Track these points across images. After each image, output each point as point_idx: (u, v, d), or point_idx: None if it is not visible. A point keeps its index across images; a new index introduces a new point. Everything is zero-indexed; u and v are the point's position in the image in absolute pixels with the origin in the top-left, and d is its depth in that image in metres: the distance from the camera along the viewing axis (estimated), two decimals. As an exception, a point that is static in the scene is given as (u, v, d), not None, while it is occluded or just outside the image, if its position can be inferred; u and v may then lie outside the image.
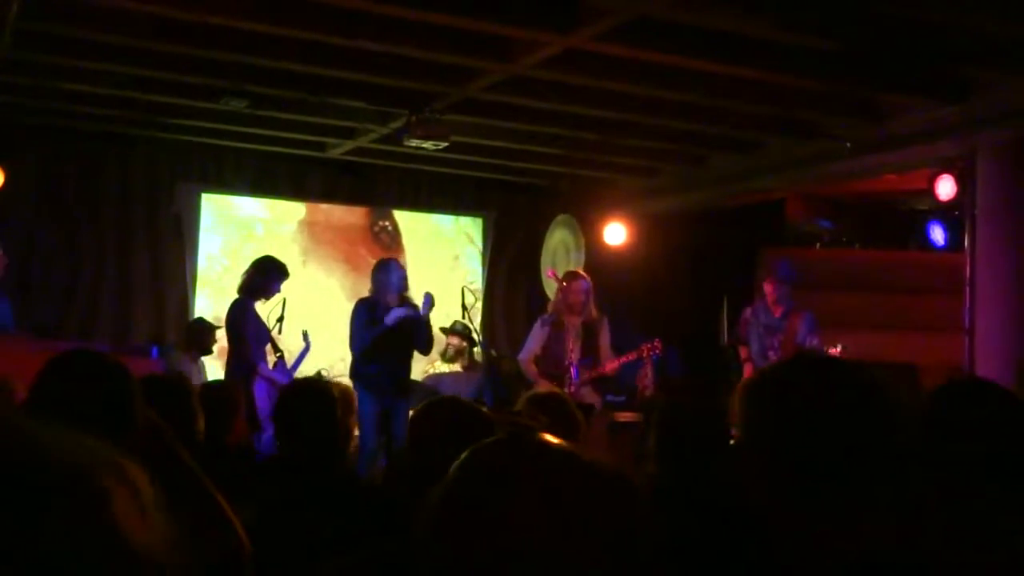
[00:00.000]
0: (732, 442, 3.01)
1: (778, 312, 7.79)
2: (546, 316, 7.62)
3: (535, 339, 7.56)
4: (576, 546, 1.00)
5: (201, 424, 3.46)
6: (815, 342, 7.45)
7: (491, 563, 1.00)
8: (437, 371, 9.02)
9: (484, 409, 2.91)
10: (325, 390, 3.43)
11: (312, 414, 3.29)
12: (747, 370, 7.76)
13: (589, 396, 7.33)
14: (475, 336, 8.69)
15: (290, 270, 7.59)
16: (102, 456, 0.75)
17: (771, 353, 7.70)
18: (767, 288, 7.88)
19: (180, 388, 3.52)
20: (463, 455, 1.10)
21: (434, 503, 1.07)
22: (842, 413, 1.60)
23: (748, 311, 8.06)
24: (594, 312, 7.51)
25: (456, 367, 8.81)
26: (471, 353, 8.77)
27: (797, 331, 7.60)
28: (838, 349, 7.30)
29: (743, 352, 8.06)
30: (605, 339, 7.49)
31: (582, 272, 7.77)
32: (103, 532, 0.70)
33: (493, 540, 1.01)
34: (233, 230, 9.73)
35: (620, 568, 1.02)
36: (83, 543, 0.69)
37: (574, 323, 7.44)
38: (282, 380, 7.42)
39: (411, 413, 3.77)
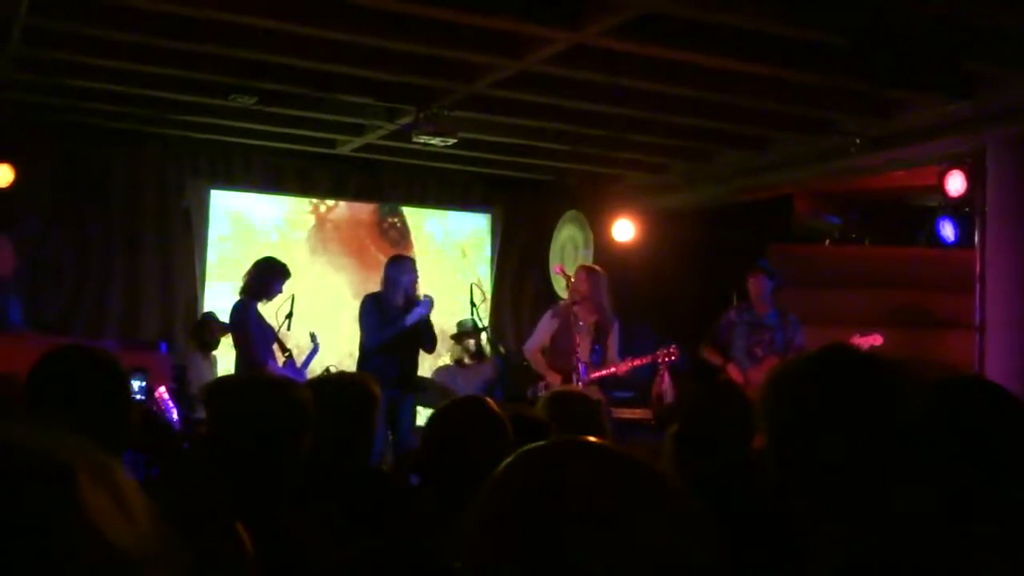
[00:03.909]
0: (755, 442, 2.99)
1: (765, 309, 7.59)
2: (556, 308, 7.59)
3: (543, 330, 7.52)
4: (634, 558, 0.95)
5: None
6: (800, 338, 7.42)
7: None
8: (446, 364, 9.00)
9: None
10: (371, 389, 3.29)
11: (356, 412, 3.20)
12: (731, 370, 7.49)
13: (594, 395, 7.29)
14: (485, 331, 8.70)
15: (299, 266, 7.59)
16: (81, 452, 0.75)
17: (758, 350, 7.49)
18: (755, 283, 7.59)
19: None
20: (510, 458, 1.04)
21: (482, 506, 1.01)
22: (872, 408, 1.58)
23: (732, 313, 7.78)
24: (607, 307, 7.46)
25: (466, 361, 8.79)
26: (480, 348, 8.76)
27: (788, 328, 7.53)
28: (879, 340, 7.22)
29: (711, 354, 7.71)
30: (613, 342, 7.44)
31: (589, 264, 7.70)
32: (74, 520, 0.70)
33: (545, 551, 0.96)
34: (246, 231, 9.75)
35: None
36: (54, 530, 0.69)
37: (587, 320, 7.41)
38: (292, 378, 7.44)
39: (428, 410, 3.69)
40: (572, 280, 7.53)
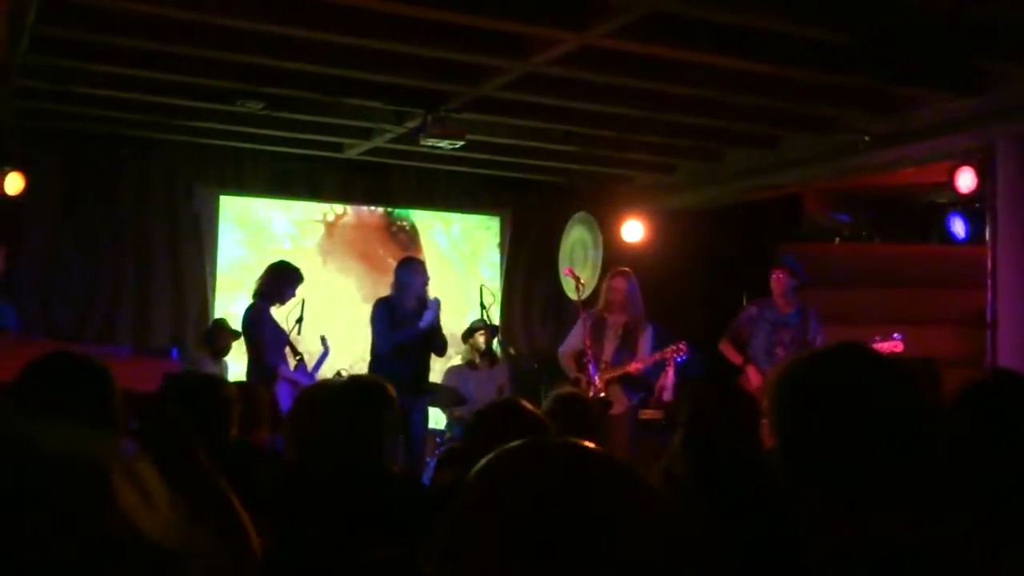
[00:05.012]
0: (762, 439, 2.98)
1: (788, 308, 7.47)
2: (588, 312, 7.58)
3: (577, 333, 7.53)
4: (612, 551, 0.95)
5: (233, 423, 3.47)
6: (820, 339, 7.35)
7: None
8: (457, 366, 8.98)
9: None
10: (387, 391, 3.28)
11: (371, 416, 3.18)
12: (750, 371, 7.40)
13: (617, 395, 7.29)
14: (494, 328, 8.72)
15: (309, 271, 7.60)
16: (110, 450, 0.77)
17: (779, 350, 7.36)
18: (777, 280, 7.45)
19: (209, 386, 3.56)
20: (483, 460, 1.04)
21: (456, 512, 1.01)
22: (876, 405, 1.57)
23: (754, 309, 7.66)
24: (642, 310, 7.46)
25: (477, 362, 8.76)
26: (491, 351, 8.76)
27: (809, 328, 7.47)
28: (900, 347, 7.13)
29: (729, 351, 7.62)
30: (644, 344, 7.40)
31: (626, 270, 7.69)
32: (108, 516, 0.72)
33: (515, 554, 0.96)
34: (256, 237, 9.76)
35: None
36: (89, 527, 0.71)
37: (616, 322, 7.42)
38: (304, 382, 7.45)
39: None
40: (606, 284, 7.54)
